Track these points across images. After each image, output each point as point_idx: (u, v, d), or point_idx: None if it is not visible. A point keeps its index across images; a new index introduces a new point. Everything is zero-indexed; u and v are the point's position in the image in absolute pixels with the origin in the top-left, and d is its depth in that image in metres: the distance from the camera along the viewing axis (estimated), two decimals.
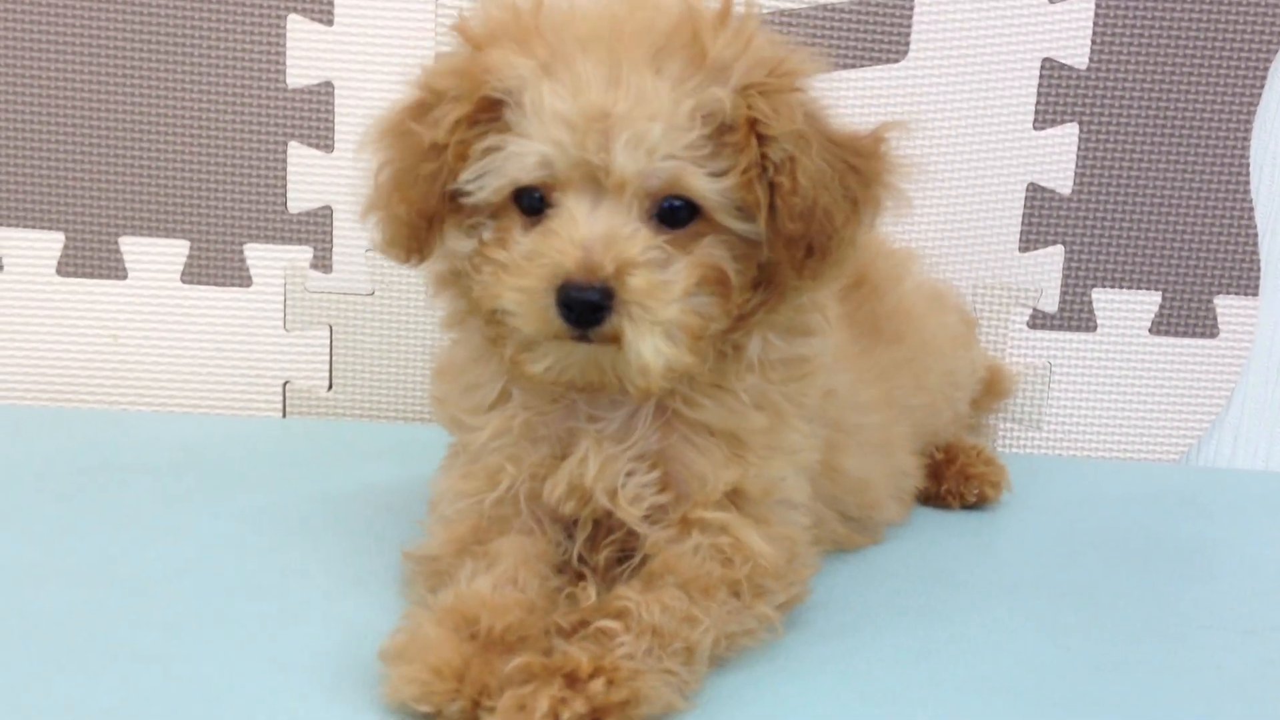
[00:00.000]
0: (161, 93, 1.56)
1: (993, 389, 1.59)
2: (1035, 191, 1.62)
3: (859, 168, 0.96)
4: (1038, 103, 1.59)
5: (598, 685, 0.83)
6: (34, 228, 1.59)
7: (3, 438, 1.48)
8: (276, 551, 1.16)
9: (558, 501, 1.01)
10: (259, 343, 1.64)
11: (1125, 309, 1.65)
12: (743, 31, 0.94)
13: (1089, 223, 1.62)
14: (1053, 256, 1.64)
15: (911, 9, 1.56)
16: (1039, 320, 1.65)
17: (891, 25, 1.57)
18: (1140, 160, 1.60)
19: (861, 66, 1.58)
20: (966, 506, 1.39)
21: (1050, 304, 1.65)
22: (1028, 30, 1.57)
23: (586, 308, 0.88)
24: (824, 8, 1.56)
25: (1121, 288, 1.64)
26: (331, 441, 1.56)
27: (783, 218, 0.92)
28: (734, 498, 1.01)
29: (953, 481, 1.38)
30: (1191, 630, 1.09)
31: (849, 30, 1.56)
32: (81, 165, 1.57)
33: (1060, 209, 1.62)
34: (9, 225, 1.58)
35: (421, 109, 0.96)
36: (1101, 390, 1.67)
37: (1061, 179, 1.61)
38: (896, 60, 1.58)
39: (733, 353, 0.99)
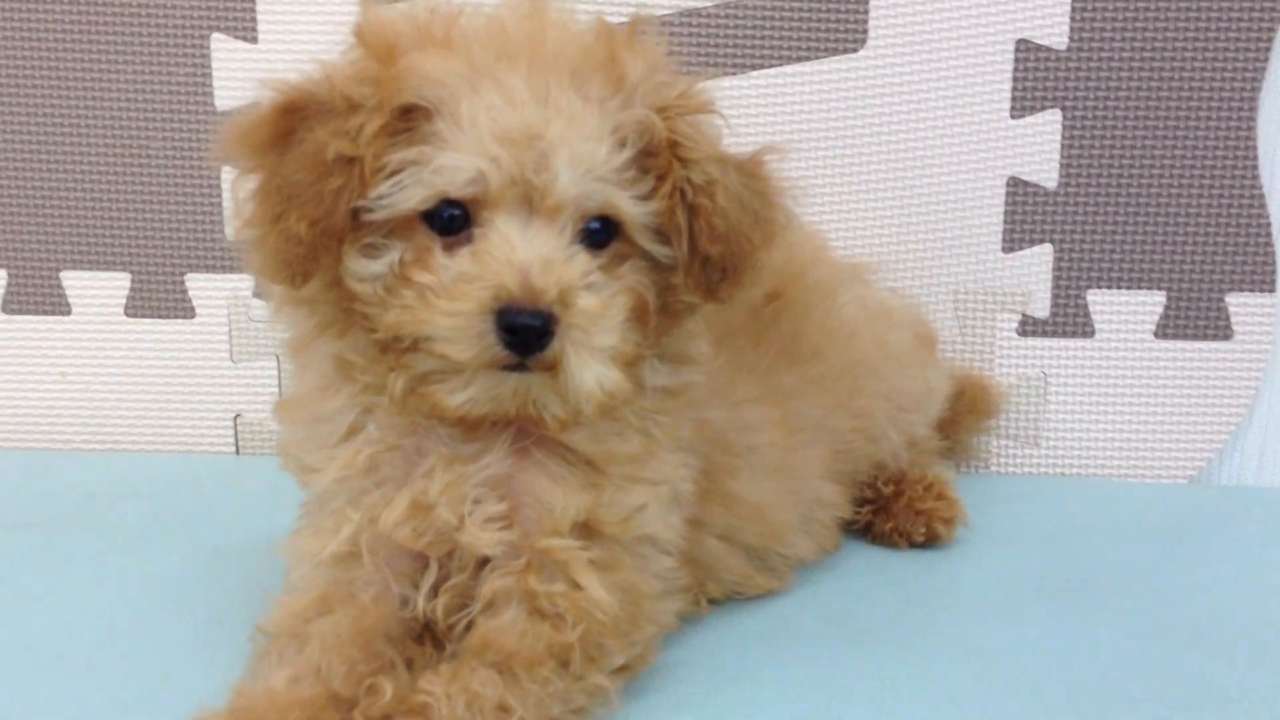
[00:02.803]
0: (92, 122, 1.52)
1: (976, 407, 1.46)
2: (1017, 186, 1.48)
3: (754, 188, 0.96)
4: (1014, 89, 1.45)
5: None
6: None
7: None
8: (172, 607, 1.12)
9: (394, 526, 0.92)
10: (206, 376, 1.58)
11: (1126, 311, 1.50)
12: (651, 50, 0.92)
13: (1079, 218, 1.48)
14: (1040, 256, 1.49)
15: None
16: (1030, 326, 1.51)
17: (846, 12, 1.44)
18: (1133, 147, 1.45)
19: (816, 59, 1.45)
20: (914, 545, 1.26)
21: (1041, 308, 1.50)
22: (999, 9, 1.43)
23: (530, 333, 0.83)
24: None
25: (1120, 288, 1.49)
26: (283, 476, 1.49)
27: (703, 240, 0.91)
28: (588, 532, 0.93)
29: (900, 518, 1.26)
30: (1175, 710, 0.93)
31: (800, 20, 1.44)
32: (20, 200, 1.54)
33: (1046, 204, 1.48)
34: None
35: (302, 117, 0.88)
36: (1104, 402, 1.52)
37: (1045, 171, 1.47)
38: (854, 50, 1.45)
39: None
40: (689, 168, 0.90)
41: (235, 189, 0.91)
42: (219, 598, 1.14)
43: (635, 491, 0.95)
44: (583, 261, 0.87)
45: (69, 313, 1.57)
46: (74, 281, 1.56)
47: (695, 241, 0.91)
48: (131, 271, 1.56)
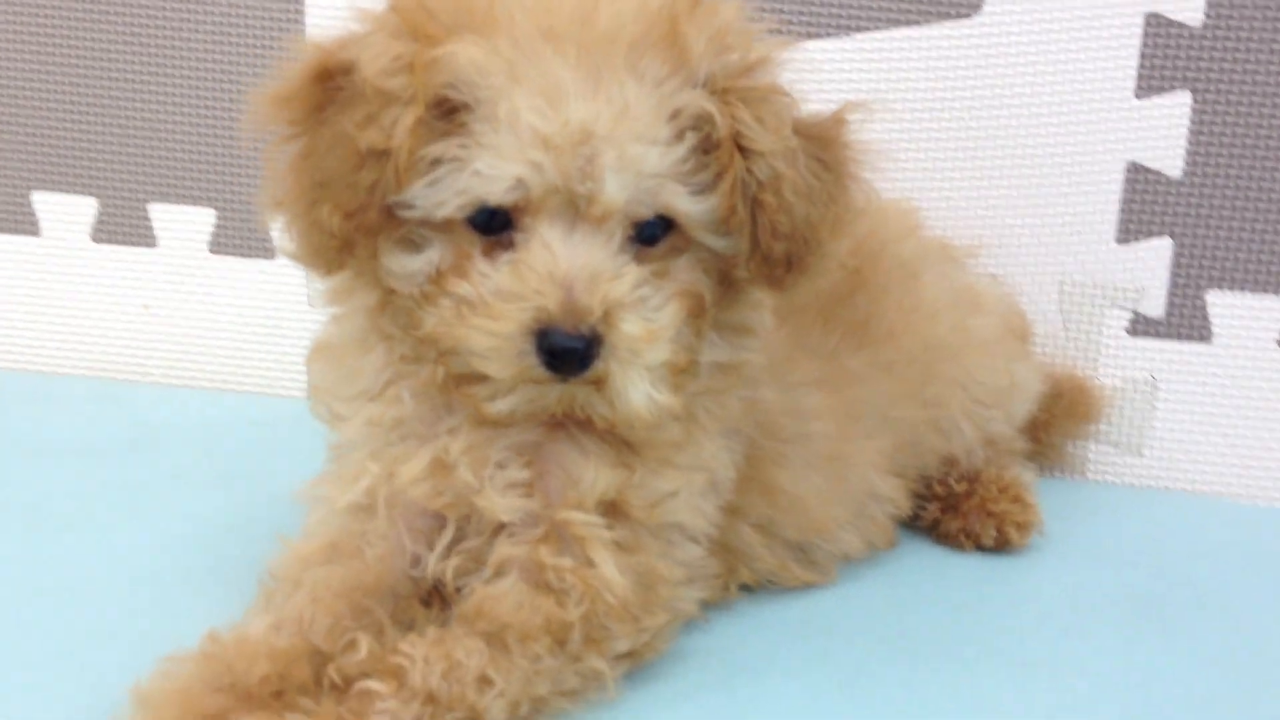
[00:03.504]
0: (185, 55, 1.50)
1: (1074, 410, 1.36)
2: (1137, 172, 1.37)
3: (827, 162, 0.89)
4: (1141, 66, 1.34)
5: None
6: (69, 191, 1.56)
7: (34, 407, 1.48)
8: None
9: (412, 483, 0.88)
10: (284, 318, 1.56)
11: (1248, 316, 1.37)
12: (718, 18, 0.85)
13: (1204, 211, 1.36)
14: (1158, 250, 1.38)
15: None
16: (1141, 326, 1.40)
17: None
18: (1268, 137, 1.33)
19: (925, 23, 1.36)
20: (982, 549, 1.17)
21: (1155, 307, 1.39)
22: None
23: (573, 355, 0.80)
24: None
25: (1244, 290, 1.37)
26: None
27: (766, 236, 0.85)
28: (614, 511, 0.88)
29: (969, 518, 1.17)
30: None
31: None
32: (113, 131, 1.53)
33: (1168, 194, 1.36)
34: (46, 189, 1.56)
35: (335, 89, 0.82)
36: (1217, 412, 1.40)
37: (1170, 158, 1.36)
38: (967, 15, 1.36)
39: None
40: (752, 160, 0.83)
41: (267, 160, 0.86)
42: (259, 540, 1.11)
43: (668, 476, 0.90)
44: (632, 274, 0.82)
45: (155, 245, 1.56)
46: (161, 214, 1.55)
47: (758, 237, 0.85)
48: (217, 208, 1.54)
